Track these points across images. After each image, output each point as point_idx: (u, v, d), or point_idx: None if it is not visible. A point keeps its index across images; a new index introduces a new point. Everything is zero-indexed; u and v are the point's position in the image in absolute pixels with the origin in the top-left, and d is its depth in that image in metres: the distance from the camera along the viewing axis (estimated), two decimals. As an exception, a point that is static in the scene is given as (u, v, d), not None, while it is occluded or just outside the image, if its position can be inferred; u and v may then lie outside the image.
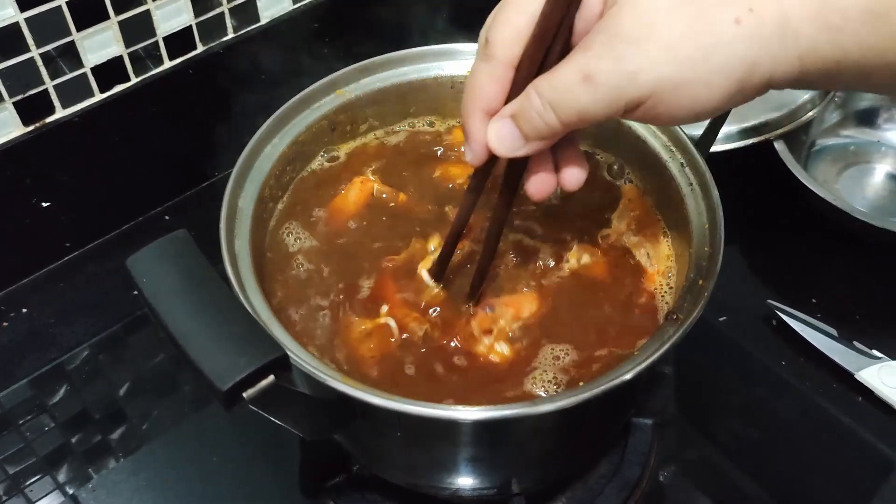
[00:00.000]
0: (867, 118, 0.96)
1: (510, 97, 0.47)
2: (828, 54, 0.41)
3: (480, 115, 0.48)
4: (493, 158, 0.50)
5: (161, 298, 0.43)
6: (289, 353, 0.43)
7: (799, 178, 0.82)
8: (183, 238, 0.46)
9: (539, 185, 0.51)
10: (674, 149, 0.62)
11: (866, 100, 0.96)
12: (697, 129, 0.62)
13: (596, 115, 0.44)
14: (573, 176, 0.51)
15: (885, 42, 0.40)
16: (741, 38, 0.40)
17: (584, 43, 0.43)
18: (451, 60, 0.69)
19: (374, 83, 0.68)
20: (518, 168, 0.51)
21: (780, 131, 0.86)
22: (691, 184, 0.60)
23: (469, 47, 0.69)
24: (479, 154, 0.49)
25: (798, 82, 0.43)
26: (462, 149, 0.51)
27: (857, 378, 0.74)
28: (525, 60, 0.46)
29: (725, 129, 0.79)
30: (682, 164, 0.61)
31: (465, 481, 0.58)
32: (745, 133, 0.85)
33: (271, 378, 0.42)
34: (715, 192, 0.57)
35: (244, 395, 0.41)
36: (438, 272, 0.59)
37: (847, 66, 0.41)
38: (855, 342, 0.76)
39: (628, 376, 0.48)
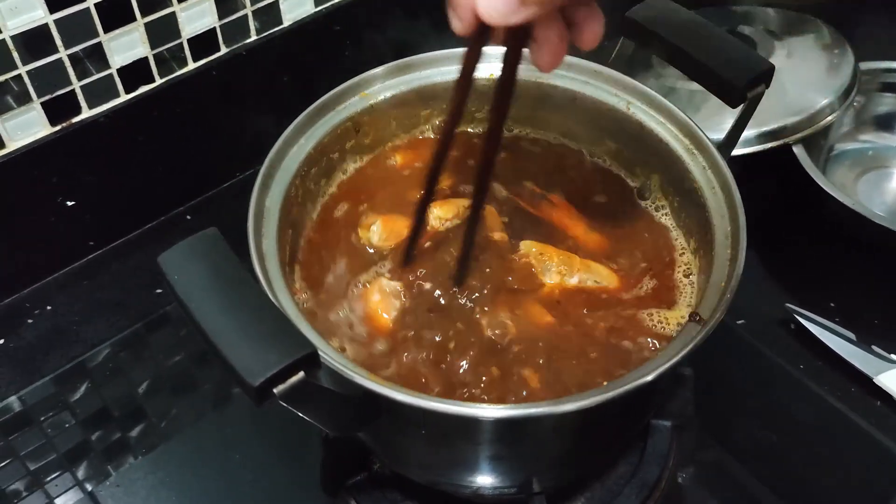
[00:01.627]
0: (886, 123, 0.96)
1: None
2: None
3: None
4: (482, 31, 0.43)
5: (193, 295, 0.44)
6: (318, 350, 0.44)
7: (818, 182, 0.82)
8: (213, 236, 0.46)
9: (549, 52, 0.43)
10: (696, 151, 0.62)
11: (885, 105, 0.96)
12: (720, 133, 0.63)
13: None
14: (591, 31, 0.44)
15: None
16: None
17: None
18: (474, 63, 0.69)
19: (398, 85, 0.68)
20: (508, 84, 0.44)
21: (798, 136, 0.86)
22: (713, 186, 0.60)
23: (492, 50, 0.69)
24: (466, 21, 0.42)
25: None
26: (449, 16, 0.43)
27: (876, 382, 0.74)
28: None
29: (744, 134, 0.79)
30: (704, 166, 0.61)
31: (485, 479, 0.58)
32: (764, 137, 0.85)
33: (301, 374, 0.42)
34: (737, 195, 0.58)
35: (275, 390, 0.42)
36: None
37: None
38: (873, 346, 0.76)
39: (650, 377, 0.49)
